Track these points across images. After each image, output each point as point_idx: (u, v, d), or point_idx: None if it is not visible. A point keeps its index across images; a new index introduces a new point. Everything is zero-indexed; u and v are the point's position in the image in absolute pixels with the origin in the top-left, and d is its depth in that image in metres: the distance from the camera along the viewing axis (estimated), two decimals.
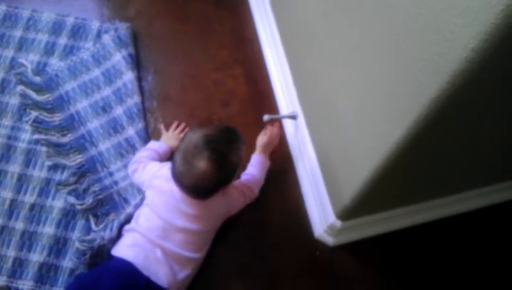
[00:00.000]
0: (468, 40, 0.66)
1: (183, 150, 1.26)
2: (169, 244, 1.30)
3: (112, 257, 1.32)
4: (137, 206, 1.44)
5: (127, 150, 1.59)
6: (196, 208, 1.33)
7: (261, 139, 1.57)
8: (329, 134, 1.33)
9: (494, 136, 1.06)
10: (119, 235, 1.40)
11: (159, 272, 1.27)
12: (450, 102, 0.76)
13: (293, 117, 1.58)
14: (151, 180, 1.39)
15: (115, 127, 1.63)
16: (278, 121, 1.65)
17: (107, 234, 1.42)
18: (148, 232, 1.31)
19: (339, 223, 1.39)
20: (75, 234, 1.48)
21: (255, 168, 1.53)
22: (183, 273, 1.32)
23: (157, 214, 1.33)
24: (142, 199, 1.43)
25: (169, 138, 1.60)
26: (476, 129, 0.98)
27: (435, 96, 0.77)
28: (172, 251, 1.30)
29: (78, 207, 1.49)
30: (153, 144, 1.55)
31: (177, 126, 1.65)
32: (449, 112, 0.81)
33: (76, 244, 1.43)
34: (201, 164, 1.23)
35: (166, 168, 1.37)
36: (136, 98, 1.67)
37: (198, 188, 1.28)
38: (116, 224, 1.44)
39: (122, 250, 1.31)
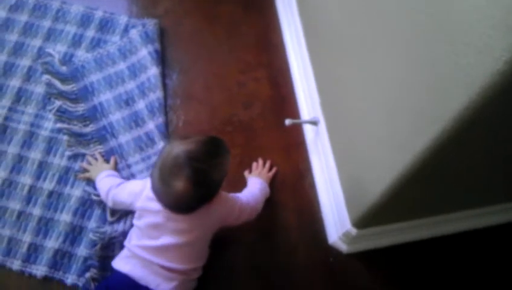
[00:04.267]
0: (502, 53, 0.66)
1: (160, 166, 1.18)
2: (164, 261, 1.24)
3: (112, 270, 1.31)
4: None
5: (146, 143, 1.61)
6: (184, 221, 1.25)
7: (252, 175, 1.54)
8: (350, 141, 1.33)
9: None
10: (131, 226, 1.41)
11: (156, 280, 1.24)
12: (479, 115, 0.76)
13: (314, 123, 1.58)
14: (137, 200, 1.30)
15: (136, 121, 1.65)
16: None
17: (121, 227, 1.43)
18: (142, 251, 1.26)
19: (354, 231, 1.39)
20: (91, 224, 1.49)
21: (252, 192, 1.46)
22: (180, 280, 1.27)
23: (147, 235, 1.27)
24: None
25: (100, 167, 1.53)
26: (503, 144, 0.97)
27: (464, 108, 0.76)
28: (169, 266, 1.25)
29: (94, 198, 1.51)
30: (105, 173, 1.48)
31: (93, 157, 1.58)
32: (477, 125, 0.80)
33: (90, 235, 1.45)
34: (179, 184, 1.14)
35: (149, 185, 1.27)
36: (159, 93, 1.68)
37: (178, 206, 1.21)
38: (130, 218, 1.45)
39: (120, 263, 1.29)
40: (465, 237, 1.57)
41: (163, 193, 1.19)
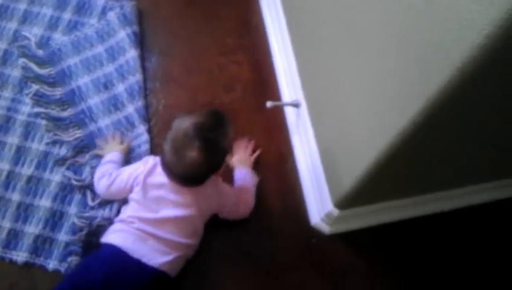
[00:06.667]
0: (483, 27, 0.66)
1: (172, 139, 1.24)
2: (160, 232, 1.30)
3: (101, 245, 1.32)
4: None
5: (126, 127, 1.59)
6: (186, 194, 1.32)
7: (234, 159, 1.56)
8: (332, 122, 1.33)
9: (504, 128, 1.05)
10: (117, 215, 1.40)
11: (149, 254, 1.27)
12: (460, 90, 0.76)
13: (296, 105, 1.58)
14: (136, 180, 1.35)
15: (115, 104, 1.62)
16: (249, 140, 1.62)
17: (107, 214, 1.42)
18: (138, 222, 1.30)
19: (336, 212, 1.39)
20: (72, 208, 1.47)
21: (242, 181, 1.51)
22: (175, 255, 1.31)
23: (146, 208, 1.32)
24: None
25: (113, 146, 1.54)
26: (485, 120, 0.97)
27: (445, 84, 0.76)
28: (163, 237, 1.30)
29: (74, 183, 1.49)
30: (108, 156, 1.49)
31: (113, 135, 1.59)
32: (458, 100, 0.80)
33: (75, 220, 1.43)
34: (192, 154, 1.21)
35: (150, 162, 1.37)
36: (138, 76, 1.66)
37: (189, 176, 1.28)
38: (116, 205, 1.44)
39: (110, 236, 1.31)
40: (449, 216, 1.58)
41: (175, 164, 1.25)
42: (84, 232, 1.39)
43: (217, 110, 1.33)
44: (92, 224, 1.39)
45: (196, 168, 1.25)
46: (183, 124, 1.24)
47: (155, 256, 1.27)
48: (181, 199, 1.32)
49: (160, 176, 1.32)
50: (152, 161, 1.37)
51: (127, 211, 1.35)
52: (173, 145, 1.24)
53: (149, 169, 1.35)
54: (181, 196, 1.32)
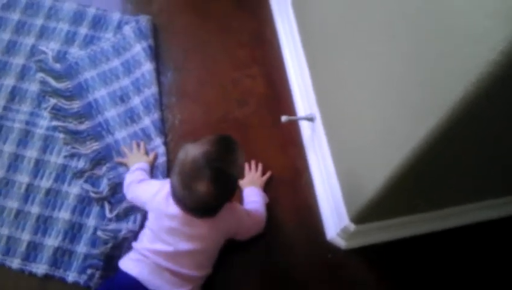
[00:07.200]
0: (498, 43, 0.66)
1: (180, 172, 1.18)
2: (176, 267, 1.26)
3: (118, 270, 1.29)
4: None
5: (142, 139, 1.61)
6: (202, 227, 1.27)
7: (245, 180, 1.55)
8: (347, 136, 1.34)
9: None
10: (141, 227, 1.40)
11: (164, 286, 1.25)
12: (474, 106, 0.76)
13: (311, 119, 1.58)
14: (151, 202, 1.32)
15: (131, 117, 1.65)
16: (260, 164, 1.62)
17: (131, 226, 1.44)
18: (153, 256, 1.26)
19: (352, 227, 1.39)
20: (90, 220, 1.49)
21: (252, 199, 1.49)
22: (190, 286, 1.29)
23: (161, 240, 1.27)
24: None
25: (138, 157, 1.55)
26: (500, 136, 0.98)
27: (460, 99, 0.76)
28: (179, 271, 1.26)
29: (92, 195, 1.51)
30: (137, 165, 1.51)
31: (137, 145, 1.60)
32: (473, 117, 0.81)
33: (99, 233, 1.44)
34: (203, 186, 1.15)
35: (166, 188, 1.28)
36: (154, 89, 1.68)
37: (201, 208, 1.23)
38: (139, 217, 1.46)
39: (128, 265, 1.28)
40: (464, 231, 1.56)
41: (186, 197, 1.19)
42: (109, 245, 1.40)
43: (224, 136, 1.26)
44: (118, 236, 1.41)
45: (210, 200, 1.20)
46: (190, 154, 1.18)
47: (171, 288, 1.25)
48: (195, 231, 1.26)
49: (172, 207, 1.25)
50: (167, 189, 1.28)
51: (143, 240, 1.31)
52: (182, 178, 1.18)
53: (163, 198, 1.28)
54: (195, 228, 1.26)
